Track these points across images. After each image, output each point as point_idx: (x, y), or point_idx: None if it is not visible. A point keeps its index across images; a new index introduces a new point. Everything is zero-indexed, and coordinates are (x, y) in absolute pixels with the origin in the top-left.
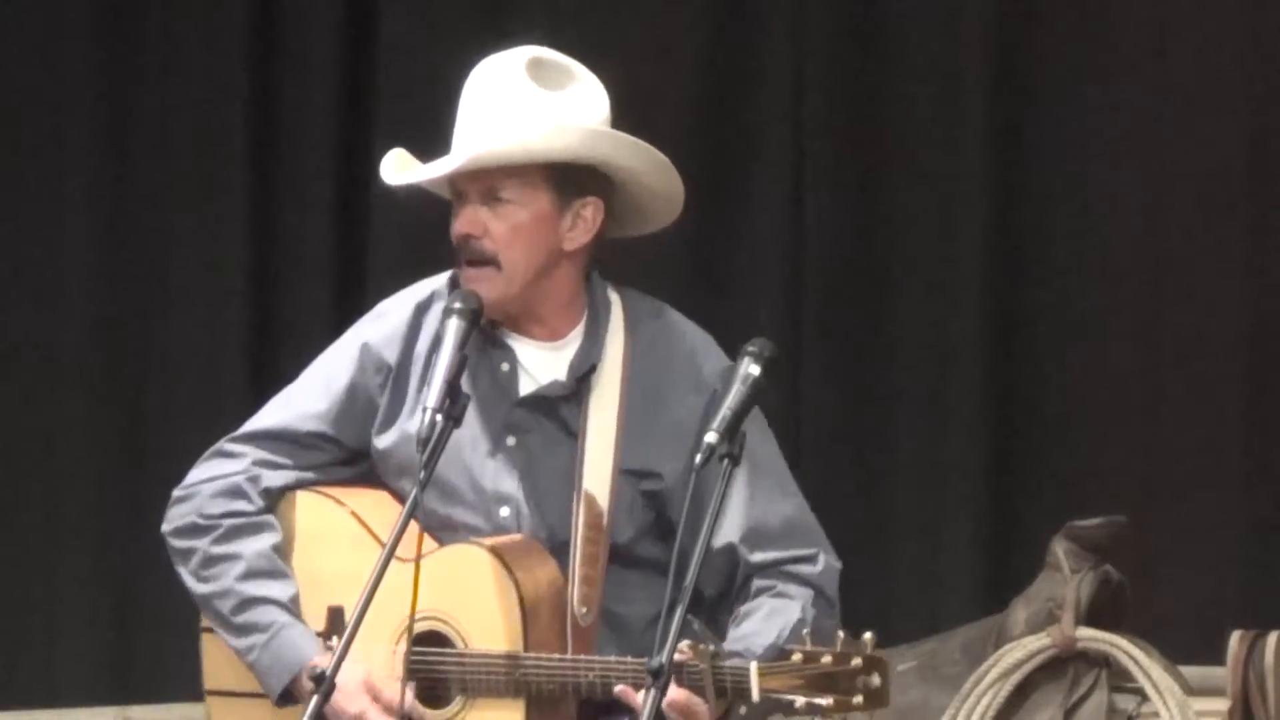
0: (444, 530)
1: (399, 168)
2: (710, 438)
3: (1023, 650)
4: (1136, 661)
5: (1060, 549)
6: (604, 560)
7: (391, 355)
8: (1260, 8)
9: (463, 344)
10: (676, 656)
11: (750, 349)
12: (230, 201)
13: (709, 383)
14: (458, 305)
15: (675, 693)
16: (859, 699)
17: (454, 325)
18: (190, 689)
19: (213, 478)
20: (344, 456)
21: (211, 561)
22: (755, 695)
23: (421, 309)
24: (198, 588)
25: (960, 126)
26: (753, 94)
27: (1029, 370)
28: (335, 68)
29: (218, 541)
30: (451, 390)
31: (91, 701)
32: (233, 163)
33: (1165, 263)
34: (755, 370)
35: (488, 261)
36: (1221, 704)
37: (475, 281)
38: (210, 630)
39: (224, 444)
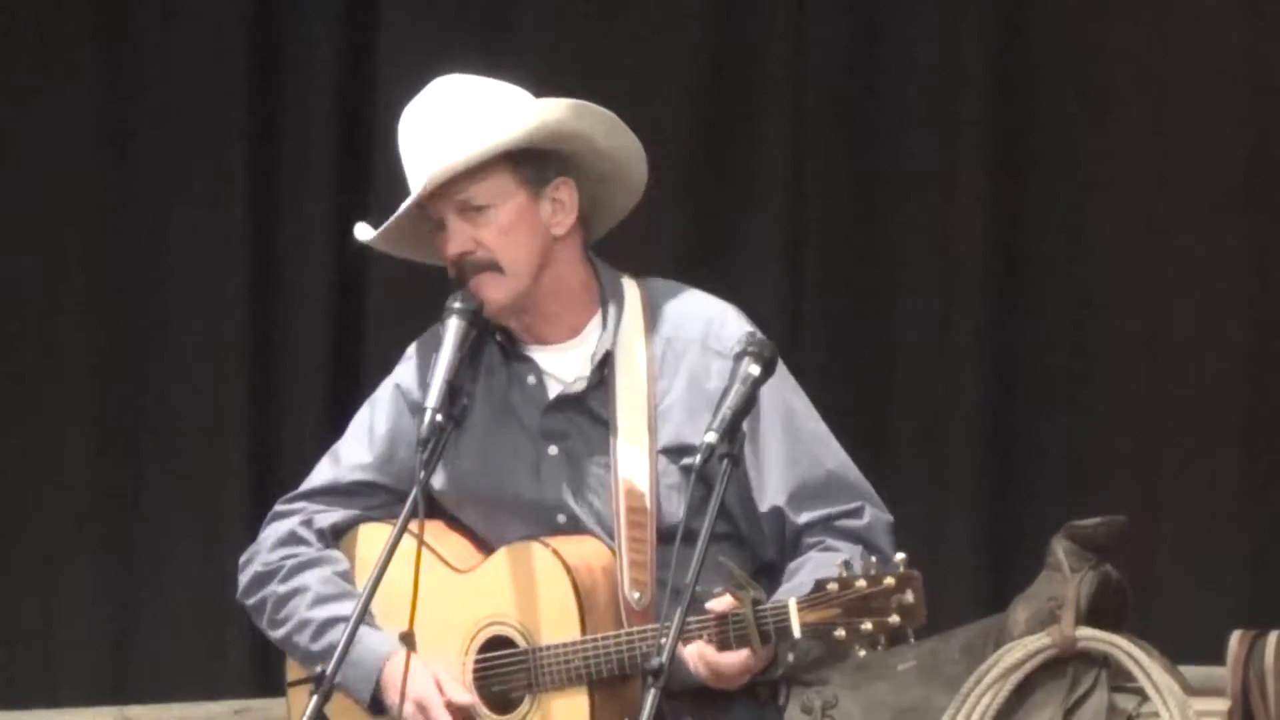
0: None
1: (364, 231)
2: (710, 438)
3: (1023, 650)
4: (1136, 661)
5: (1060, 549)
6: (652, 541)
7: (422, 395)
8: (1259, 13)
9: (462, 343)
10: (719, 605)
11: (750, 349)
12: (230, 212)
13: (726, 345)
14: (456, 305)
15: (715, 654)
16: (895, 618)
17: (453, 325)
18: (189, 689)
19: (269, 535)
20: (397, 499)
21: (281, 601)
22: (796, 631)
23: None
24: (277, 633)
25: (961, 125)
26: (753, 97)
27: (1029, 371)
28: (333, 84)
29: (282, 581)
30: (451, 390)
31: (91, 701)
32: (233, 174)
33: (1166, 263)
34: (755, 370)
35: (488, 267)
36: (1221, 704)
37: (482, 287)
38: (295, 684)
39: (278, 507)
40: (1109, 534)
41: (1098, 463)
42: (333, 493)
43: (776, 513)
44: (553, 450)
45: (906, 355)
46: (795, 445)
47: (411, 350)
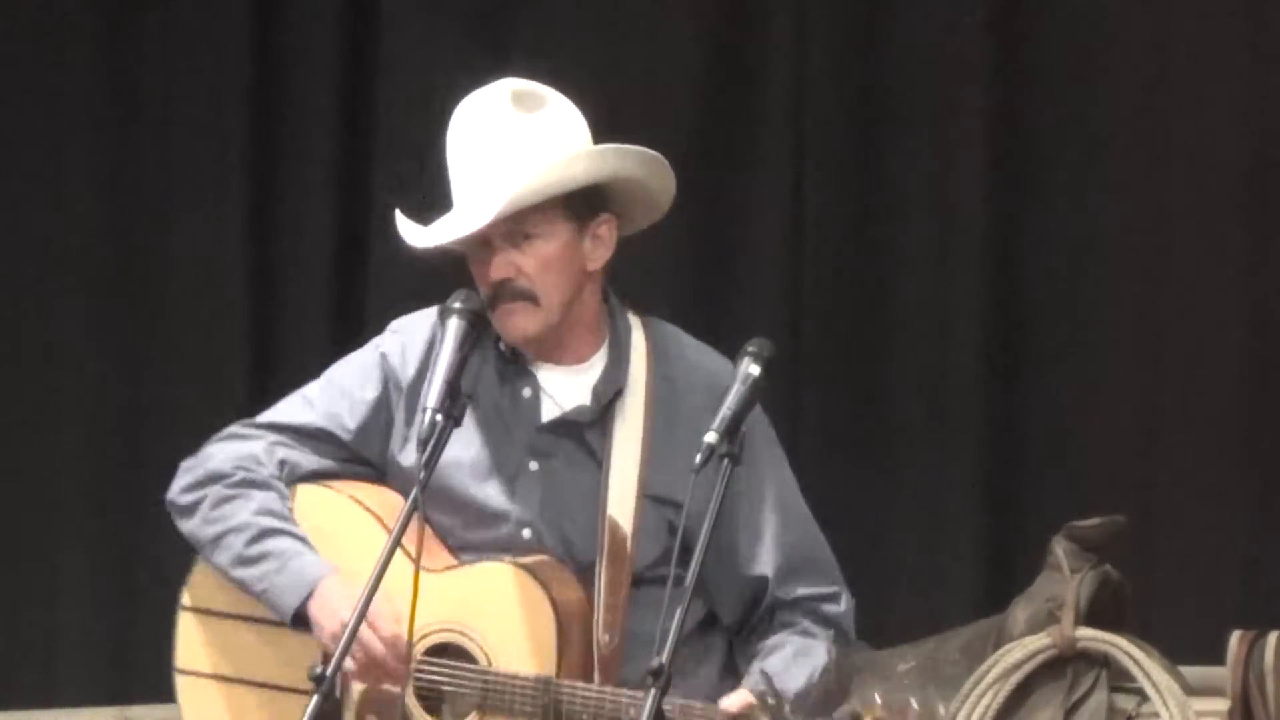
0: (465, 550)
1: (410, 228)
2: (710, 438)
3: (1023, 650)
4: (1136, 661)
5: (1060, 549)
6: (627, 586)
7: (408, 373)
8: (1259, 10)
9: (463, 344)
10: (736, 705)
11: (750, 349)
12: (231, 206)
13: None
14: (457, 305)
15: None
16: None
17: (454, 325)
18: None
19: (227, 449)
20: (354, 461)
21: (224, 500)
22: None
23: (438, 327)
24: (206, 530)
25: (961, 128)
26: (753, 99)
27: (1029, 370)
28: (335, 82)
29: (231, 486)
30: (451, 390)
31: (91, 701)
32: (233, 171)
33: (1165, 263)
34: (755, 370)
35: (524, 297)
36: (1221, 704)
37: (512, 315)
38: (191, 611)
39: (238, 428)
40: (1109, 534)
41: (1098, 463)
42: (305, 434)
43: (760, 581)
44: (533, 465)
45: (907, 356)
46: (787, 518)
47: (402, 325)
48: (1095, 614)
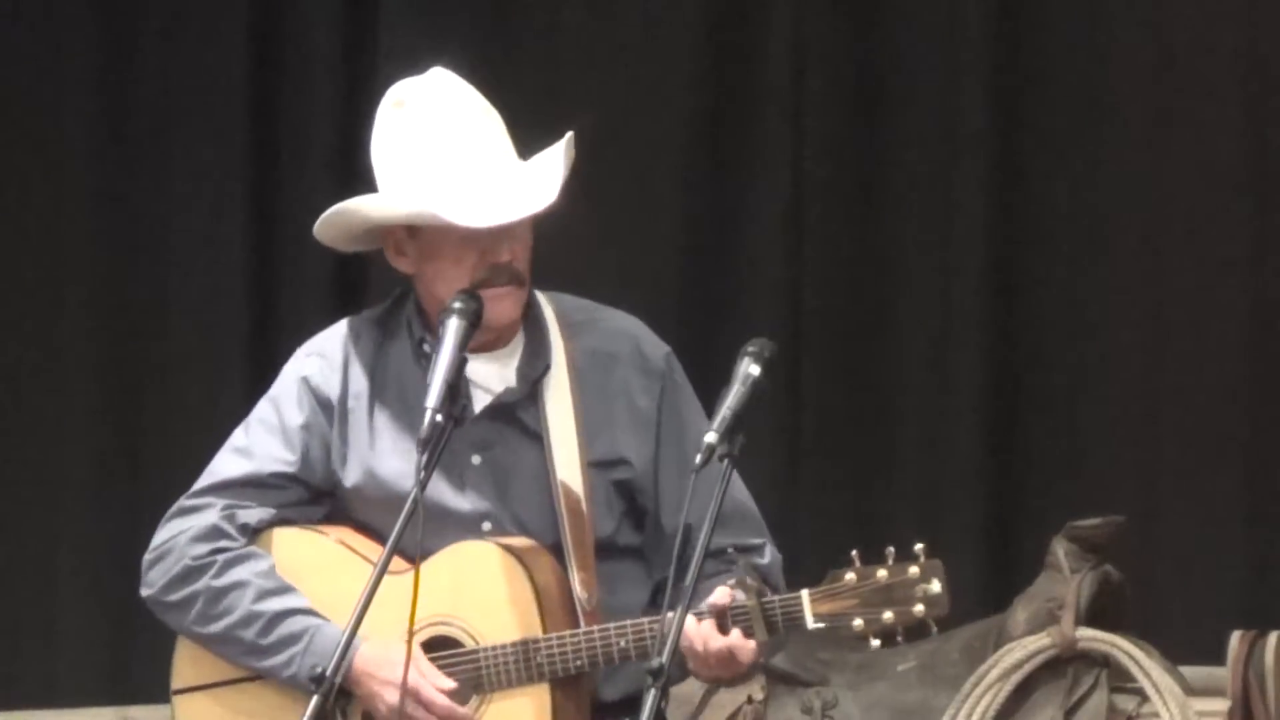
0: (425, 556)
1: (457, 208)
2: (710, 438)
3: (1023, 650)
4: (1136, 661)
5: (1060, 549)
6: (591, 547)
7: (333, 391)
8: (1259, 7)
9: (463, 344)
10: (718, 599)
11: (750, 349)
12: (231, 202)
13: (654, 363)
14: (458, 305)
15: (721, 640)
16: (919, 608)
17: (454, 325)
18: None
19: (184, 530)
20: (310, 496)
21: (218, 596)
22: (810, 622)
23: (352, 341)
24: (210, 628)
25: (961, 123)
26: (752, 95)
27: (1029, 370)
28: (335, 76)
29: (217, 575)
30: (452, 390)
31: (91, 701)
32: (234, 166)
33: (1166, 261)
34: (755, 370)
35: (519, 281)
36: (1221, 704)
37: (507, 298)
38: (183, 692)
39: (184, 501)
40: (1109, 534)
41: (1098, 463)
42: (250, 485)
43: (686, 530)
44: (476, 459)
45: (907, 357)
46: (711, 468)
47: (317, 346)
48: (1095, 614)
